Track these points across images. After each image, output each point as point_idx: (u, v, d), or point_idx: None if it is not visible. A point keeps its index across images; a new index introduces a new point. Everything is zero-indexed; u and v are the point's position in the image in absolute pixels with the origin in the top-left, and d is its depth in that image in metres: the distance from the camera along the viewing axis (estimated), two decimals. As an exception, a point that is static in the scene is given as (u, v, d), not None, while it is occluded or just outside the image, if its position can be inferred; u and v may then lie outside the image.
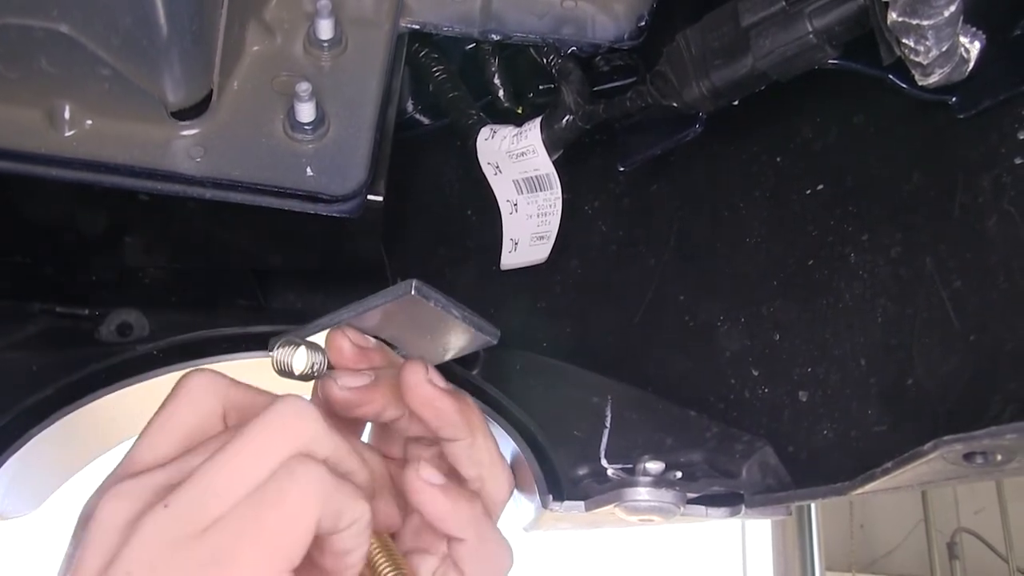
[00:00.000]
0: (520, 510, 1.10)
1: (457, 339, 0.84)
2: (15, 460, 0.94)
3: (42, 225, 0.96)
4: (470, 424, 0.77)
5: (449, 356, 0.85)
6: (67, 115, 0.84)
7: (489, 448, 0.79)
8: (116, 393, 0.97)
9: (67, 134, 0.84)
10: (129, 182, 0.85)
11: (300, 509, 0.62)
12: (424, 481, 0.73)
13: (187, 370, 0.71)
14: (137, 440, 0.67)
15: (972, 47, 0.75)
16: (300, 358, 0.77)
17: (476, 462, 0.78)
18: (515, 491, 1.08)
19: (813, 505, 5.41)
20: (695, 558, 5.42)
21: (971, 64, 0.76)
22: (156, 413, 0.69)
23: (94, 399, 0.97)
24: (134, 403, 0.99)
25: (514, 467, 1.01)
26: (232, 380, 0.71)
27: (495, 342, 0.85)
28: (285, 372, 0.77)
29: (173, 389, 0.69)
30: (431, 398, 0.75)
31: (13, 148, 0.83)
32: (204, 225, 0.95)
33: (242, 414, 0.70)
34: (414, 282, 0.73)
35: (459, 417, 0.76)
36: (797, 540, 5.73)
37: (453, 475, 0.78)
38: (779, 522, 5.39)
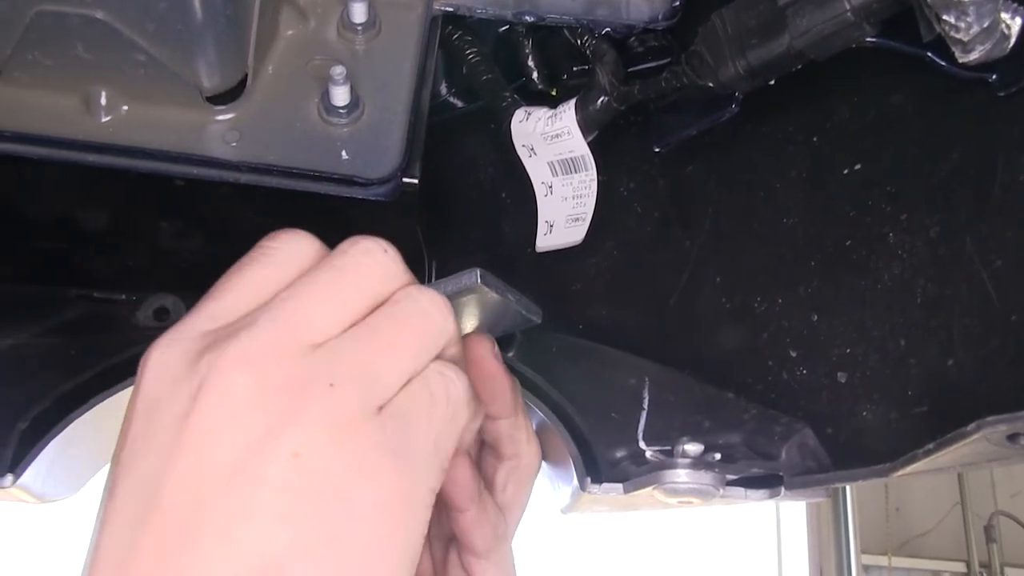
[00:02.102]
0: (558, 493, 1.10)
1: (505, 322, 0.85)
2: (55, 444, 0.95)
3: (79, 211, 0.97)
4: (517, 402, 0.78)
5: (493, 335, 0.86)
6: (103, 101, 0.85)
7: (527, 426, 0.80)
8: (154, 377, 0.98)
9: (103, 120, 0.85)
10: (165, 167, 0.85)
11: (459, 411, 0.63)
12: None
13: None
14: (219, 287, 0.63)
15: (1014, 23, 0.74)
16: None
17: (516, 440, 0.79)
18: (551, 474, 1.09)
19: (848, 487, 5.40)
20: (730, 539, 5.41)
21: (1012, 40, 0.75)
22: (244, 263, 0.64)
23: (132, 383, 0.97)
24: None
25: (551, 447, 1.02)
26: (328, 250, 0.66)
27: (539, 322, 0.86)
28: None
29: (263, 245, 0.65)
30: (495, 373, 0.75)
31: (50, 134, 0.84)
32: (239, 209, 0.96)
33: None
34: (478, 271, 0.74)
35: (511, 395, 0.76)
36: (832, 522, 5.72)
37: (488, 450, 0.79)
38: (814, 504, 5.38)
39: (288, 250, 0.64)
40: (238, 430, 0.54)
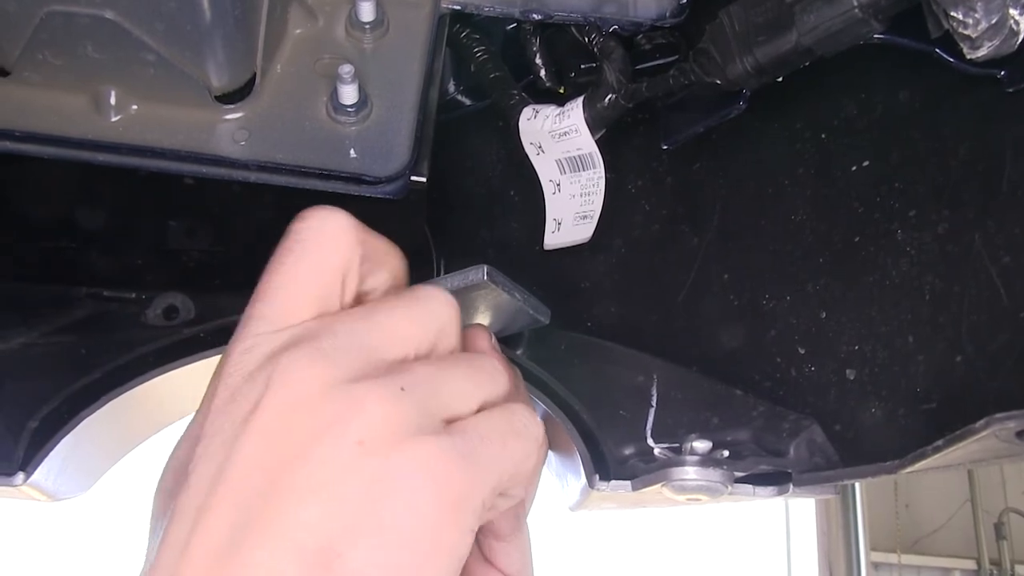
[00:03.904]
0: (566, 490, 1.10)
1: (512, 320, 0.85)
2: (66, 443, 0.95)
3: (88, 210, 0.97)
4: (519, 392, 0.77)
5: (499, 334, 0.86)
6: (113, 100, 0.85)
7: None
8: (164, 376, 0.98)
9: (113, 119, 0.85)
10: (175, 166, 0.86)
11: (533, 452, 0.65)
12: None
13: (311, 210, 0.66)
14: (268, 288, 0.63)
15: (1022, 19, 0.74)
16: None
17: None
18: (559, 472, 1.09)
19: (857, 485, 5.40)
20: (740, 537, 5.41)
21: (1021, 37, 0.75)
22: (283, 256, 0.64)
23: (142, 382, 0.98)
24: (182, 385, 1.00)
25: (560, 447, 1.02)
26: (361, 224, 0.67)
27: (546, 322, 0.86)
28: None
29: (295, 231, 0.65)
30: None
31: (60, 134, 0.84)
32: (248, 208, 0.96)
33: (375, 266, 0.69)
34: (485, 267, 0.75)
35: (513, 385, 0.76)
36: (842, 520, 5.72)
37: None
38: (823, 502, 5.38)
39: (325, 234, 0.65)
40: (305, 416, 0.55)
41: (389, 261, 0.70)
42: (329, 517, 0.53)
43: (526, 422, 0.65)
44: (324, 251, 0.64)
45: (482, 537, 0.77)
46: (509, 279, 0.78)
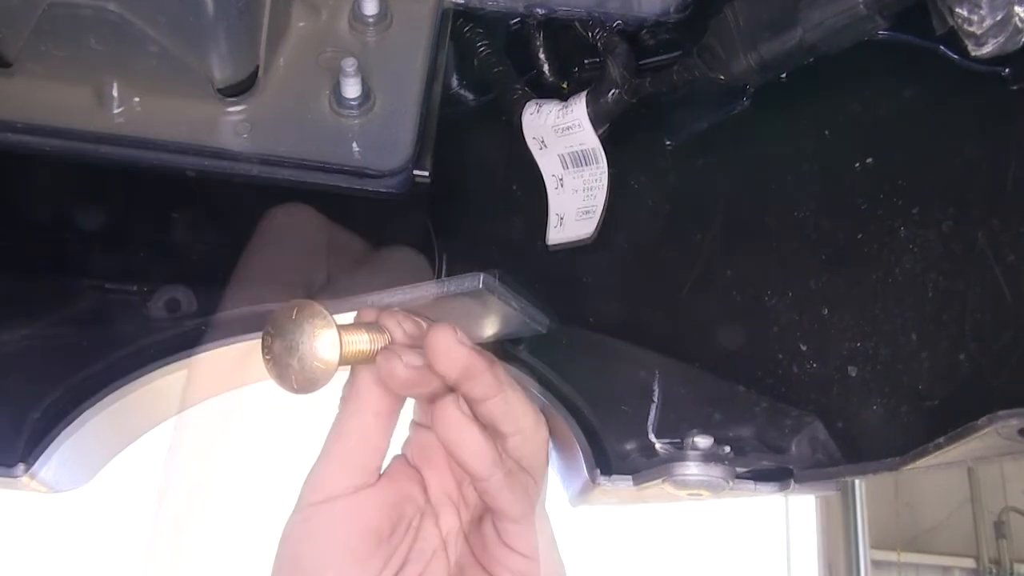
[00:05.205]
0: (567, 485, 1.10)
1: (507, 327, 0.85)
2: (67, 435, 0.95)
3: (91, 203, 0.97)
4: (499, 379, 0.76)
5: (491, 338, 0.86)
6: (115, 93, 0.85)
7: (520, 400, 0.78)
8: (165, 368, 0.98)
9: (115, 112, 0.85)
10: (177, 159, 0.86)
11: None
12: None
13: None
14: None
15: (1027, 16, 0.74)
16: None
17: (513, 416, 0.77)
18: (561, 466, 1.09)
19: (858, 483, 5.39)
20: (739, 534, 5.41)
21: (1026, 33, 0.75)
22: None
23: (143, 374, 0.97)
24: (183, 378, 1.00)
25: (562, 442, 1.02)
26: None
27: (544, 331, 0.85)
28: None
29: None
30: (460, 358, 0.73)
31: (63, 127, 0.84)
32: (250, 201, 0.96)
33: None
34: (482, 275, 0.74)
35: (490, 375, 0.75)
36: (842, 518, 5.71)
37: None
38: (824, 500, 5.38)
39: (287, 231, 0.69)
40: None
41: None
42: None
43: None
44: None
45: (498, 521, 0.77)
46: (509, 288, 0.77)
